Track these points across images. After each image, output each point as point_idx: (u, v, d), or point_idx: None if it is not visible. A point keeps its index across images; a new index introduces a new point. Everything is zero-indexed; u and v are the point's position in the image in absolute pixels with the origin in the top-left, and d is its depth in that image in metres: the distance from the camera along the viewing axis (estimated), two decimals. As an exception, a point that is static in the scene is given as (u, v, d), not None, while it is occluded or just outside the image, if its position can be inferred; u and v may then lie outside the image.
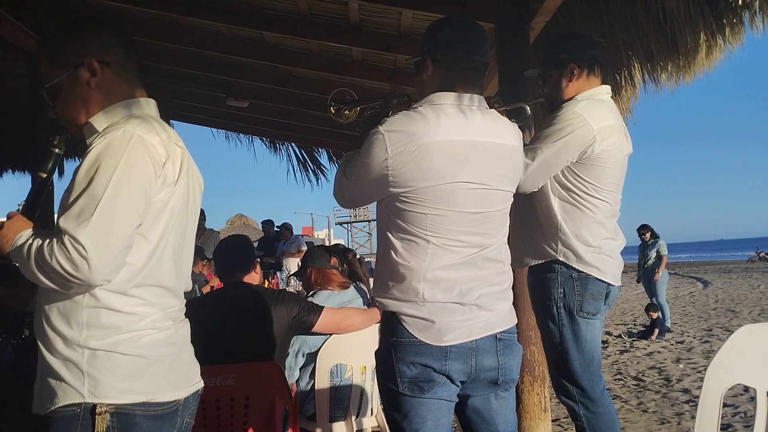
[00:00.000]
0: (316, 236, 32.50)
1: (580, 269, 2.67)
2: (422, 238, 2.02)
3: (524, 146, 2.56)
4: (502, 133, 2.12)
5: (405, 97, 2.30)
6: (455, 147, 2.00)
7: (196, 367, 1.79)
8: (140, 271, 1.60)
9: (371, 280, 3.02)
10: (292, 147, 10.70)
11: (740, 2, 4.14)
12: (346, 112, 2.41)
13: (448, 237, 2.03)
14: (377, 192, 2.07)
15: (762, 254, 40.76)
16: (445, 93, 2.07)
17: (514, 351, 2.15)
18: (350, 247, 6.98)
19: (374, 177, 2.02)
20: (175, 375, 1.65)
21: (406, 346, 2.02)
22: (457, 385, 2.07)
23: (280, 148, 10.74)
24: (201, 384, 1.80)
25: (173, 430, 1.66)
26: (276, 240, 11.68)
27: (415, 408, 2.04)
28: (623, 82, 5.15)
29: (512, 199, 2.21)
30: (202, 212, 9.45)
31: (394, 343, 2.04)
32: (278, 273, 8.49)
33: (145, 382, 1.58)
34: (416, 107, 2.07)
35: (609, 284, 2.73)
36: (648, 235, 11.55)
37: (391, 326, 2.06)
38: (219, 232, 9.45)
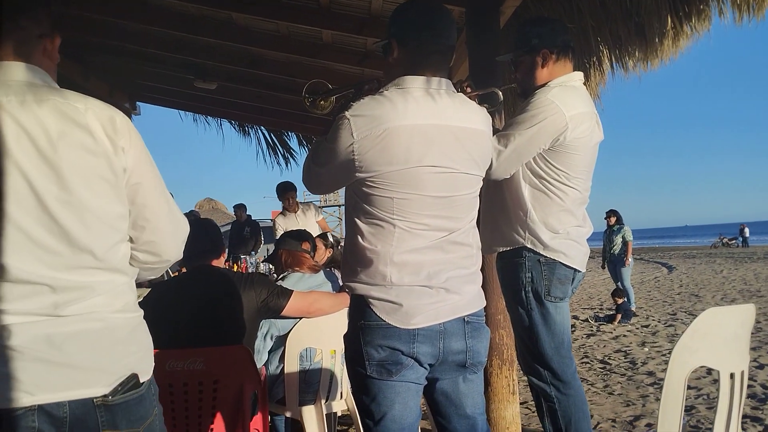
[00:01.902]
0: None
1: (547, 255, 2.69)
2: (388, 222, 2.02)
3: (496, 132, 2.57)
4: (469, 117, 2.12)
5: (375, 83, 2.29)
6: (421, 131, 2.00)
7: (46, 375, 1.48)
8: None
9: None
10: (261, 130, 10.60)
11: (708, -12, 4.19)
12: (322, 102, 2.40)
13: (414, 221, 2.03)
14: (344, 177, 2.07)
15: (725, 240, 41.59)
16: (411, 77, 2.07)
17: (482, 334, 2.17)
18: (327, 232, 6.92)
19: (341, 162, 2.02)
20: (10, 382, 1.44)
21: (374, 329, 2.02)
22: (425, 368, 2.08)
23: (249, 132, 10.63)
24: (52, 397, 1.49)
25: None
26: (247, 225, 11.57)
27: (383, 391, 2.05)
28: (592, 68, 5.19)
29: (481, 184, 2.21)
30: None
31: (362, 326, 2.05)
32: (247, 258, 8.42)
33: None
34: (382, 91, 2.07)
35: (575, 270, 2.76)
36: (613, 219, 11.70)
37: (359, 310, 2.07)
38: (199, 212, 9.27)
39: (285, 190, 8.09)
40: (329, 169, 2.09)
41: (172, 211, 1.76)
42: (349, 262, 2.12)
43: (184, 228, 1.81)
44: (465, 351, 2.11)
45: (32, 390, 1.45)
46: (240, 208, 11.90)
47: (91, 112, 1.56)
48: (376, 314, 2.02)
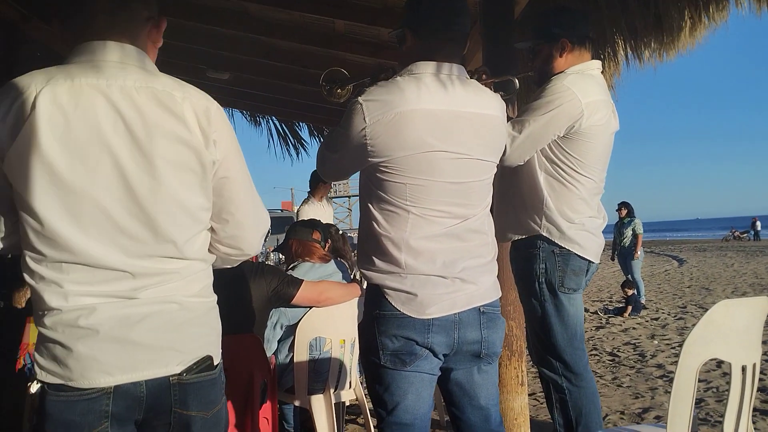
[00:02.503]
0: (295, 211, 32.37)
1: (563, 245, 2.68)
2: (402, 209, 2.02)
3: (511, 119, 2.56)
4: (483, 103, 2.11)
5: (391, 71, 2.29)
6: (433, 116, 1.99)
7: (133, 354, 1.50)
8: (27, 243, 1.46)
9: (354, 255, 2.99)
10: (272, 120, 10.60)
11: (725, -21, 4.15)
12: (339, 90, 2.40)
13: (429, 207, 2.03)
14: (358, 162, 2.07)
15: (736, 234, 41.35)
16: (424, 62, 2.06)
17: (498, 325, 2.17)
18: (329, 223, 6.87)
19: (354, 147, 2.02)
20: (88, 361, 1.46)
21: (389, 319, 2.03)
22: (439, 359, 2.09)
23: (260, 122, 10.63)
24: (141, 375, 1.51)
25: (91, 419, 1.47)
26: None
27: (396, 381, 2.06)
28: (606, 59, 5.15)
29: (495, 170, 2.21)
30: None
31: (377, 315, 2.05)
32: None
33: (54, 364, 1.46)
34: (395, 77, 2.08)
35: (589, 261, 2.75)
36: (624, 212, 11.64)
37: (375, 299, 2.07)
38: None
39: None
40: (343, 155, 2.10)
41: (256, 205, 1.75)
42: (364, 248, 2.13)
43: (266, 222, 1.81)
44: (480, 341, 2.10)
45: (111, 370, 1.47)
46: None
47: (188, 102, 1.55)
48: (391, 304, 2.03)
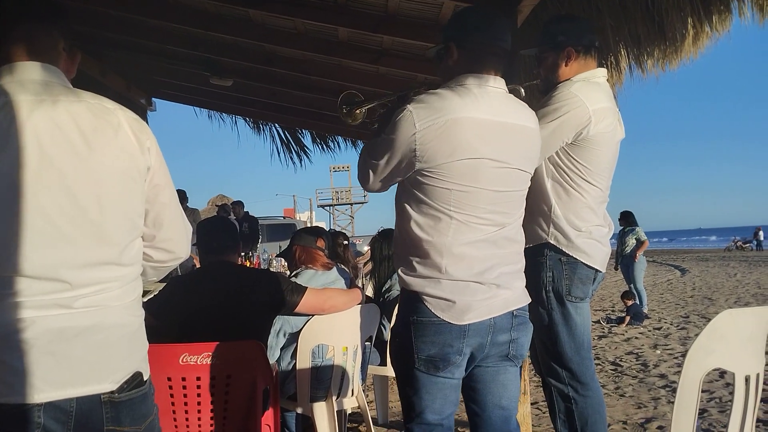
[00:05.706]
0: (298, 218, 32.49)
1: (570, 253, 2.68)
2: (445, 214, 2.07)
3: None
4: (523, 116, 2.20)
5: (424, 87, 2.37)
6: (480, 125, 2.06)
7: (56, 372, 1.48)
8: None
9: (360, 262, 3.00)
10: (275, 128, 10.60)
11: (728, -10, 4.15)
12: (357, 111, 2.47)
13: (472, 213, 2.08)
14: (404, 169, 2.11)
15: (739, 243, 41.30)
16: (469, 74, 2.14)
17: (527, 328, 2.25)
18: (332, 229, 6.90)
19: (402, 153, 2.07)
20: (24, 376, 1.45)
21: (427, 325, 2.09)
22: (470, 363, 2.16)
23: (263, 129, 10.63)
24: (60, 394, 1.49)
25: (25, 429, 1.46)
26: (244, 221, 11.71)
27: (427, 386, 2.13)
28: (609, 68, 5.15)
29: (530, 182, 2.28)
30: (184, 193, 9.40)
31: (414, 321, 2.11)
32: (260, 253, 8.45)
33: None
34: (443, 87, 2.15)
35: (596, 270, 2.74)
36: (625, 221, 11.61)
37: (413, 305, 2.12)
38: (199, 212, 9.34)
39: None
40: (388, 162, 2.13)
41: (181, 210, 1.81)
42: (403, 252, 2.17)
43: (190, 227, 1.87)
44: (509, 342, 2.18)
45: (42, 386, 1.46)
46: (238, 204, 12.08)
47: (120, 112, 1.62)
48: (430, 310, 2.08)
